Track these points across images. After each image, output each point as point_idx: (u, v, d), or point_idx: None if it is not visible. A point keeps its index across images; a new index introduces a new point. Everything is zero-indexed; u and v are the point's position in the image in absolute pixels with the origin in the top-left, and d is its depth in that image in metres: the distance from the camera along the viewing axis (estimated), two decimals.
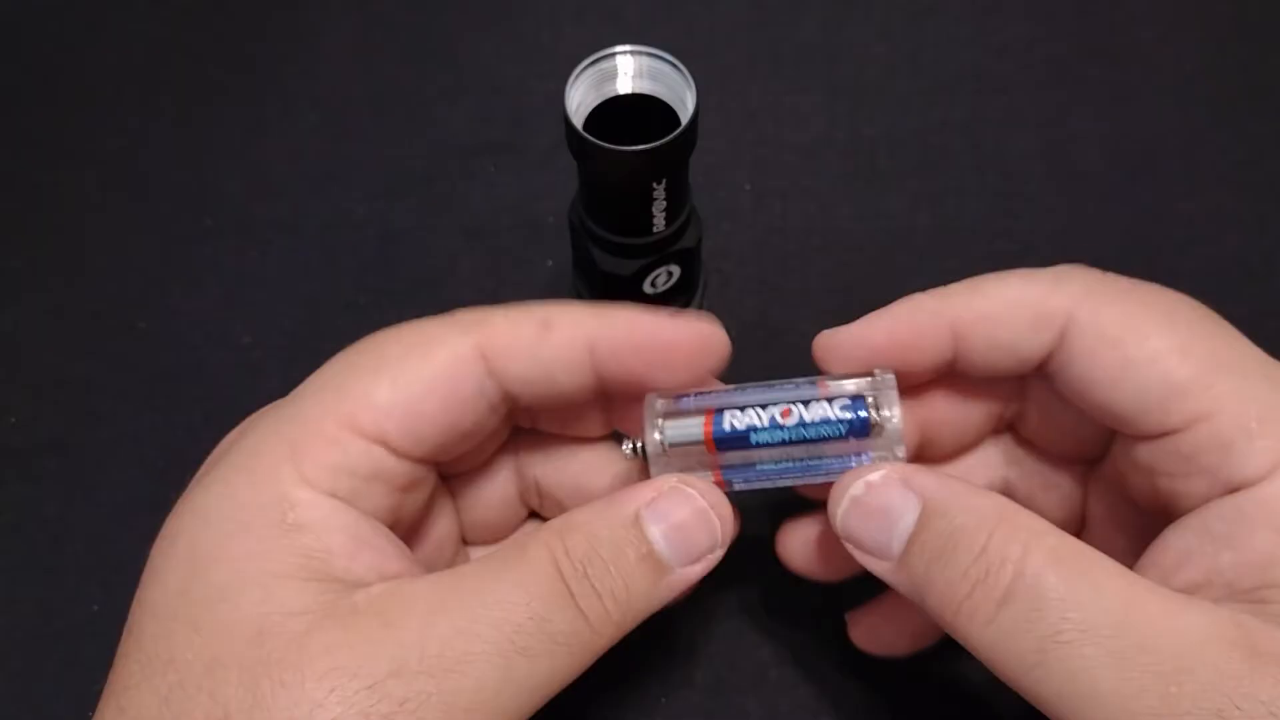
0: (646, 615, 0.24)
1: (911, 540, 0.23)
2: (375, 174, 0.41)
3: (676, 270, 0.32)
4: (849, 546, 0.25)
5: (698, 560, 0.24)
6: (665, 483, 0.24)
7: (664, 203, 0.30)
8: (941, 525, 0.23)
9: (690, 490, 0.24)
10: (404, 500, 0.25)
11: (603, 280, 0.32)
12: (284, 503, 0.23)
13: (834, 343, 0.26)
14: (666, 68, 0.29)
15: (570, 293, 0.36)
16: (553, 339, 0.25)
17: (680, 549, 0.24)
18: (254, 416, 0.25)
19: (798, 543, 0.29)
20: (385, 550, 0.24)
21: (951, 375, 0.27)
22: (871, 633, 0.30)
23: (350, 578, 0.23)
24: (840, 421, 0.24)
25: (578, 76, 0.29)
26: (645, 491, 0.24)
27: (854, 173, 0.40)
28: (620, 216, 0.30)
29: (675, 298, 0.33)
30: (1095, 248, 0.38)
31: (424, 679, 0.21)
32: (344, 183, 0.41)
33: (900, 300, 0.26)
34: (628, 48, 0.29)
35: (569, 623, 0.22)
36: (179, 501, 0.24)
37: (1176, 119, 0.41)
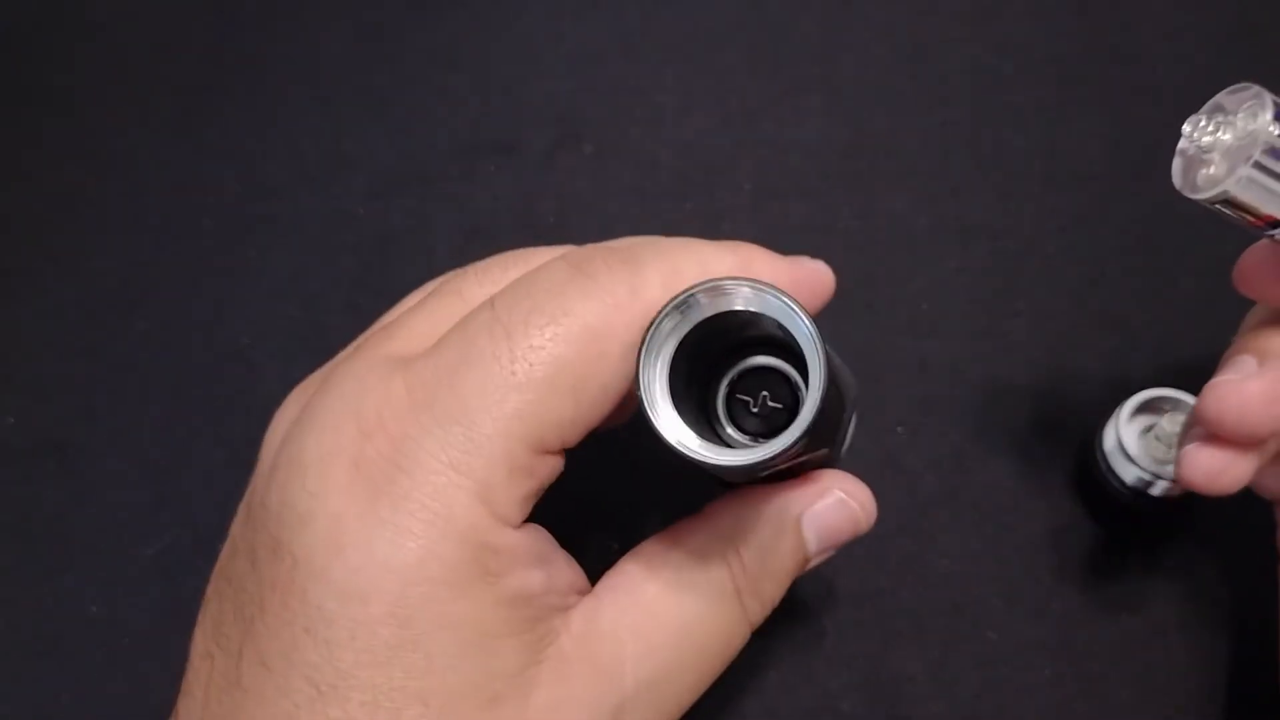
0: None
1: None
2: (375, 174, 0.41)
3: None
4: None
5: (831, 550, 0.25)
6: (826, 487, 0.24)
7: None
8: None
9: (849, 501, 0.25)
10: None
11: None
12: (483, 552, 0.21)
13: None
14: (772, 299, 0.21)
15: None
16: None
17: (824, 545, 0.25)
18: (397, 428, 0.21)
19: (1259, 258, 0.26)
20: (553, 558, 0.23)
21: None
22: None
23: (546, 605, 0.22)
24: None
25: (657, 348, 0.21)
26: (808, 495, 0.24)
27: (854, 173, 0.40)
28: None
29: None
30: (1095, 247, 0.38)
31: (643, 712, 0.22)
32: (344, 183, 0.41)
33: None
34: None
35: (739, 638, 0.24)
36: (315, 518, 0.21)
37: (1176, 119, 0.41)
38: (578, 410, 0.22)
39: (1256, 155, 0.22)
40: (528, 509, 0.22)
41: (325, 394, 0.23)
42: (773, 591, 0.24)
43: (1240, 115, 0.23)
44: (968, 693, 0.31)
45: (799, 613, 0.32)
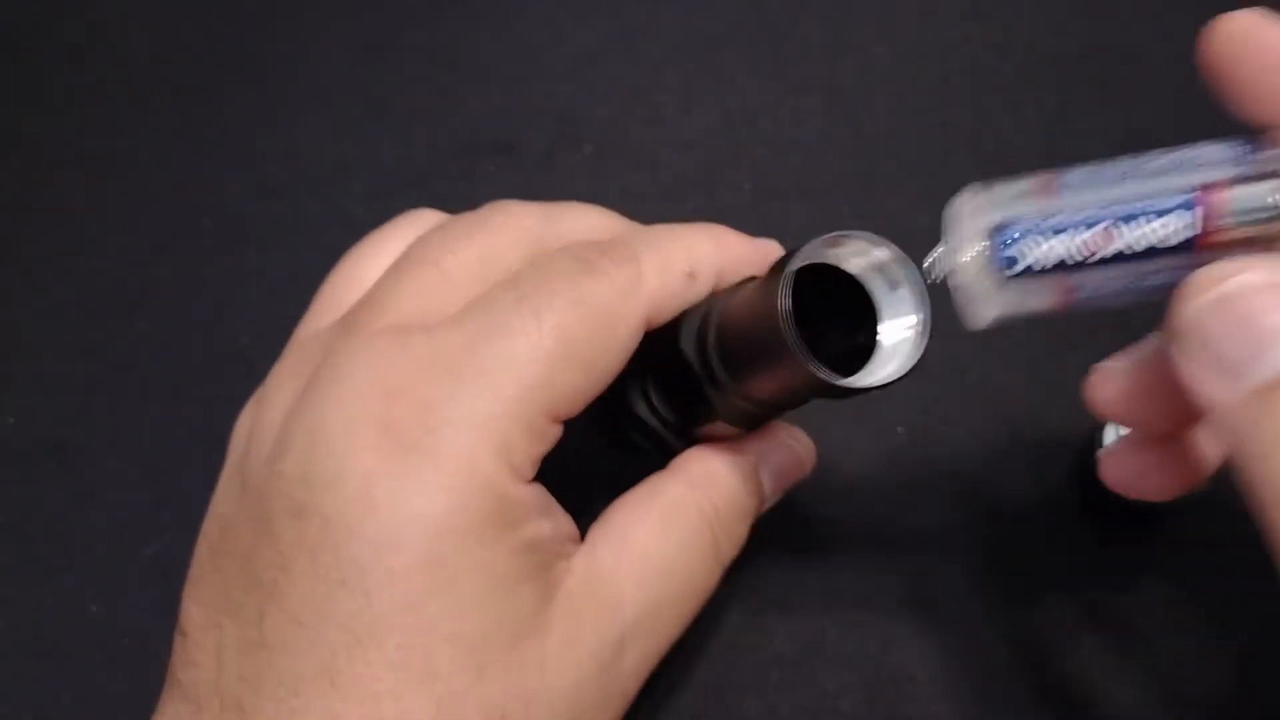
0: None
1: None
2: (375, 174, 0.41)
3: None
4: (1185, 358, 0.19)
5: (781, 492, 0.29)
6: (777, 437, 0.28)
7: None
8: None
9: (795, 445, 0.29)
10: None
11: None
12: (503, 502, 0.23)
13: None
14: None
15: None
16: (695, 287, 0.26)
17: (777, 488, 0.28)
18: (419, 383, 0.23)
19: (1112, 386, 0.25)
20: (554, 510, 0.25)
21: None
22: (1123, 467, 0.26)
23: (553, 551, 0.24)
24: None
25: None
26: (764, 445, 0.28)
27: (854, 173, 0.40)
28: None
29: None
30: None
31: (640, 640, 0.25)
32: (344, 183, 0.41)
33: None
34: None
35: (715, 575, 0.27)
36: (347, 478, 0.22)
37: (1177, 119, 0.41)
38: (587, 383, 0.24)
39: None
40: (536, 468, 0.24)
41: (336, 366, 0.24)
42: (741, 531, 0.27)
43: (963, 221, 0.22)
44: (968, 693, 0.31)
45: (799, 613, 0.32)
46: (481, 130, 0.42)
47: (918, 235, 0.39)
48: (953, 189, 0.40)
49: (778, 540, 0.32)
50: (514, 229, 0.27)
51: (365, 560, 0.22)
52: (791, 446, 0.29)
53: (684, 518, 0.26)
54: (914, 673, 0.30)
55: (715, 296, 0.27)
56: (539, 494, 0.24)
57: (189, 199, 0.41)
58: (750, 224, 0.39)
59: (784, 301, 0.22)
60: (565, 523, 0.25)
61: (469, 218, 0.28)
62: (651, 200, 0.40)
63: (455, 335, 0.24)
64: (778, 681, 0.31)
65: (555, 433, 0.24)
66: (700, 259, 0.26)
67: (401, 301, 0.25)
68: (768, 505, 0.29)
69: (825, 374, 0.22)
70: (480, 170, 0.41)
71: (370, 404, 0.23)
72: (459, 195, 0.40)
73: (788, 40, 0.43)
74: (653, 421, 0.28)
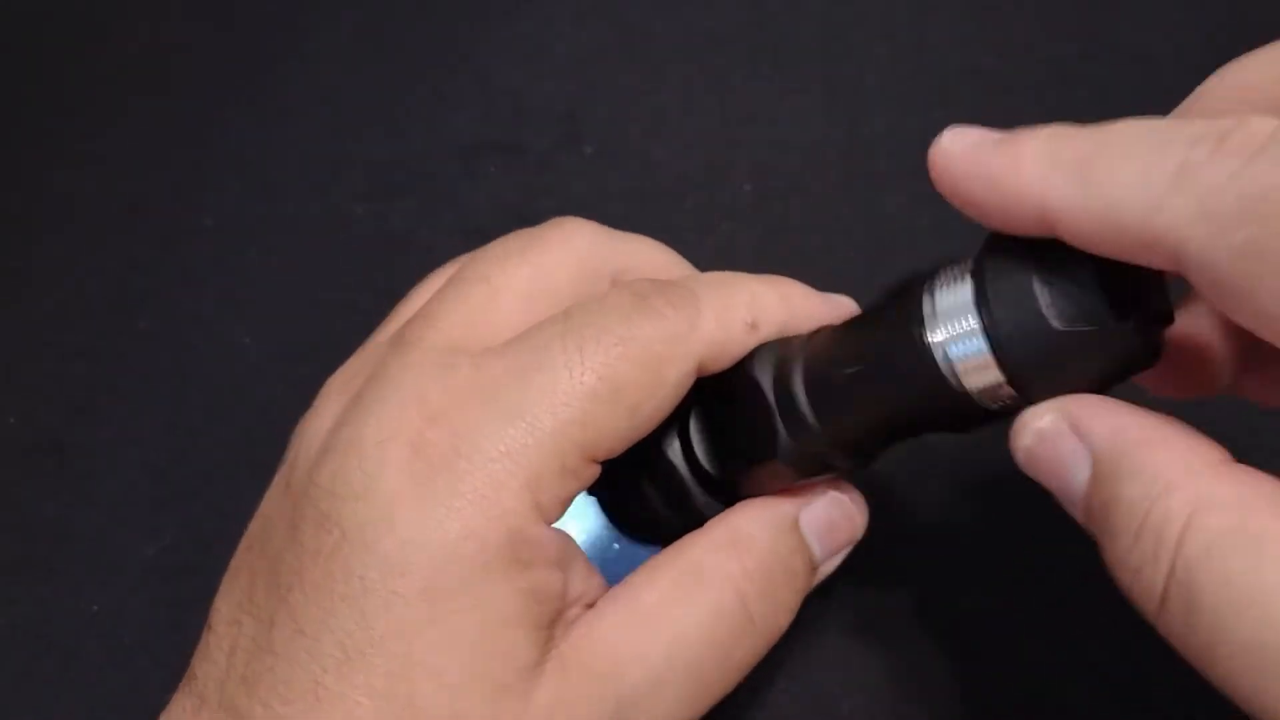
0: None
1: (1085, 500, 0.20)
2: (375, 174, 0.41)
3: None
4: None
5: (837, 555, 0.26)
6: (817, 489, 0.26)
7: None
8: (1105, 493, 0.19)
9: (843, 497, 0.26)
10: None
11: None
12: (518, 539, 0.22)
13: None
14: None
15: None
16: (755, 338, 0.25)
17: (828, 548, 0.26)
18: (455, 410, 0.23)
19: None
20: (574, 564, 0.24)
21: None
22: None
23: (558, 607, 0.23)
24: None
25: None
26: (801, 498, 0.25)
27: (854, 173, 0.40)
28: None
29: None
30: None
31: (643, 715, 0.23)
32: (344, 183, 0.41)
33: None
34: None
35: (749, 649, 0.24)
36: (374, 497, 0.22)
37: None
38: (630, 426, 0.23)
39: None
40: (564, 511, 0.23)
41: (382, 382, 0.24)
42: (785, 596, 0.25)
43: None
44: (968, 692, 0.31)
45: (801, 614, 0.32)
46: (481, 130, 0.42)
47: (917, 235, 0.39)
48: None
49: None
50: (567, 248, 0.26)
51: (372, 579, 0.21)
52: (838, 498, 0.26)
53: (702, 581, 0.24)
54: (913, 672, 0.31)
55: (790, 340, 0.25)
56: (561, 541, 0.23)
57: (190, 199, 0.41)
58: (750, 224, 0.39)
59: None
60: (582, 582, 0.24)
61: (525, 234, 0.27)
62: (651, 200, 0.40)
63: (498, 363, 0.23)
64: (777, 681, 0.31)
65: (591, 473, 0.23)
66: (764, 309, 0.25)
67: (450, 319, 0.25)
68: (823, 569, 0.26)
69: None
70: (480, 170, 0.41)
71: (407, 424, 0.23)
72: (459, 195, 0.41)
73: (787, 40, 0.43)
74: (682, 469, 0.26)
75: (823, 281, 0.38)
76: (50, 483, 0.35)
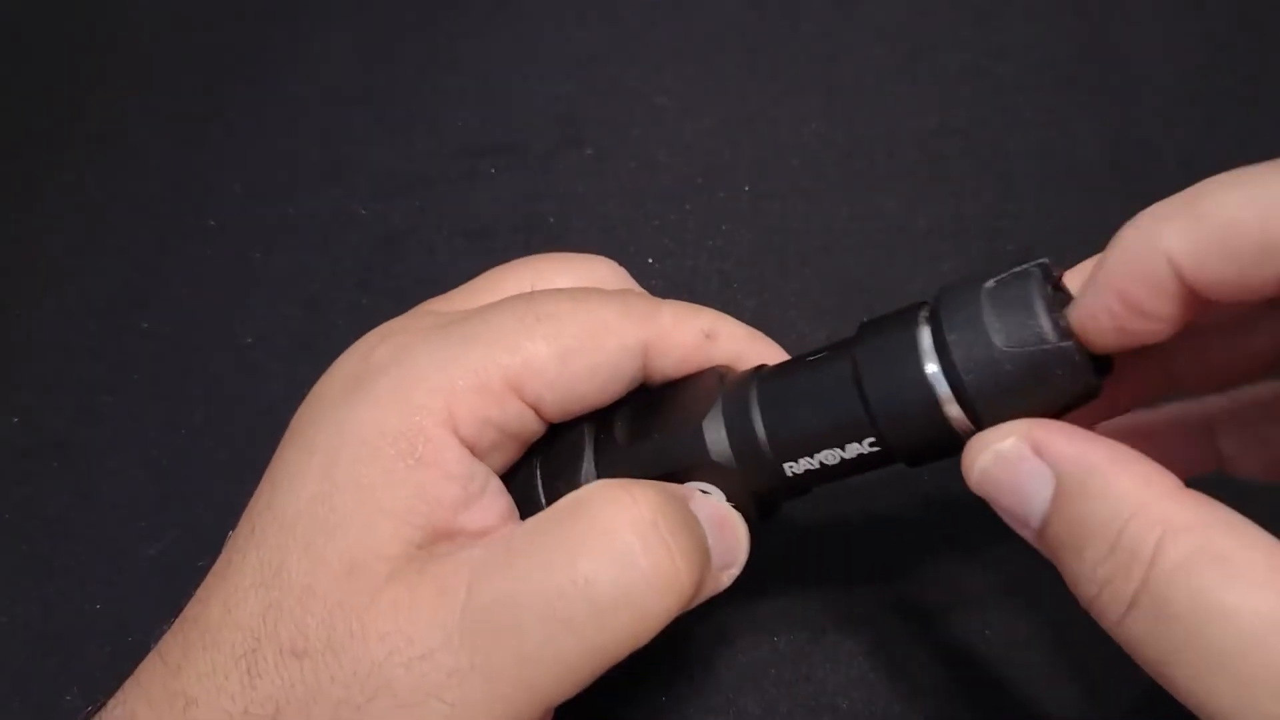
0: (700, 601, 0.23)
1: (1046, 521, 0.21)
2: (375, 174, 0.41)
3: None
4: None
5: (726, 568, 0.24)
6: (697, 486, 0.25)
7: None
8: (1072, 512, 0.20)
9: (719, 501, 0.25)
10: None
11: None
12: (419, 436, 0.23)
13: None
14: None
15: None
16: (712, 350, 0.26)
17: (718, 544, 0.24)
18: (408, 336, 0.25)
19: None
20: (494, 507, 0.24)
21: None
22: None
23: (450, 529, 0.23)
24: None
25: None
26: (684, 488, 0.24)
27: (854, 173, 0.40)
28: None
29: None
30: (1095, 248, 0.37)
31: (468, 653, 0.21)
32: (344, 183, 0.41)
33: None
34: None
35: (627, 584, 0.21)
36: (320, 400, 0.24)
37: (1176, 119, 0.41)
38: (559, 371, 0.24)
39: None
40: (486, 434, 0.24)
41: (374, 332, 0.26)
42: (685, 540, 0.22)
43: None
44: (967, 692, 0.31)
45: (799, 612, 0.32)
46: (481, 130, 0.42)
47: (916, 236, 0.39)
48: (952, 189, 0.40)
49: (776, 539, 0.32)
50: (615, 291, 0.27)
51: (289, 460, 0.23)
52: (720, 504, 0.25)
53: (577, 506, 0.22)
54: (913, 672, 0.31)
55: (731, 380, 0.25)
56: (473, 469, 0.23)
57: (192, 199, 0.41)
58: (750, 224, 0.39)
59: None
60: (487, 518, 0.23)
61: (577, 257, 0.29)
62: (651, 201, 0.40)
63: (462, 313, 0.25)
64: (776, 679, 0.31)
65: (516, 412, 0.24)
66: (724, 327, 0.26)
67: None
68: (721, 577, 0.24)
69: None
70: (481, 171, 0.41)
71: (365, 343, 0.25)
72: (459, 195, 0.41)
73: (787, 41, 0.43)
74: (589, 449, 0.25)
75: (822, 282, 0.38)
76: (52, 482, 0.35)
